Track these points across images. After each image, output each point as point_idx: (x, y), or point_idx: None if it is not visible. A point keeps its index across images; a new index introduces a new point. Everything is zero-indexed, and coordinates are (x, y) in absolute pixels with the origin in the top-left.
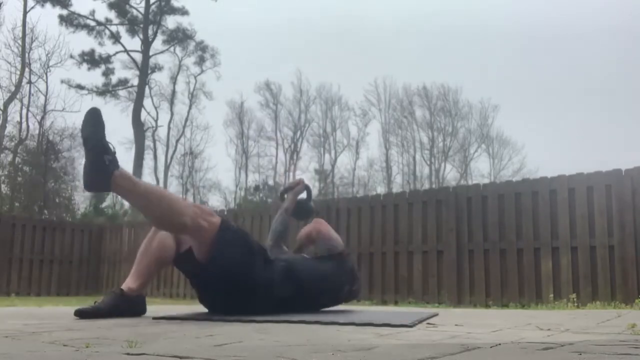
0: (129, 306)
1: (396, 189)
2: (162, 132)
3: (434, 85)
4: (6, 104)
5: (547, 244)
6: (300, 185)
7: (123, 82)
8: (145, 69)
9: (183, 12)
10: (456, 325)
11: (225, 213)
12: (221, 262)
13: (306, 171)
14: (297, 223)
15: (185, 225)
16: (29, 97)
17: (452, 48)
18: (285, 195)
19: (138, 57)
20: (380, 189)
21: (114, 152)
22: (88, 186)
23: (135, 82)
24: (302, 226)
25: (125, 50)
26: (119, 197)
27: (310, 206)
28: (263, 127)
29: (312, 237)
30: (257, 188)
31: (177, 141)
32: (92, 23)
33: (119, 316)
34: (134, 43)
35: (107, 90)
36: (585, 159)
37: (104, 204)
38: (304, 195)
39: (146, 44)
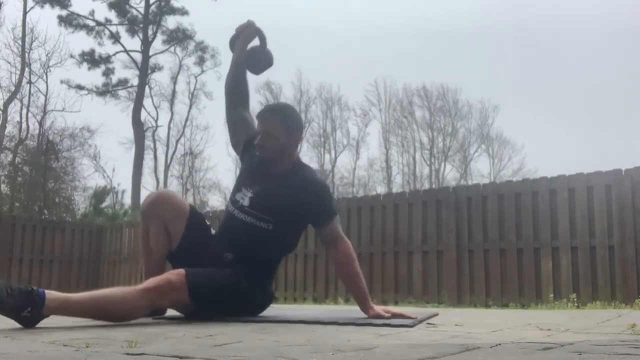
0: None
1: (396, 189)
2: (162, 132)
3: (433, 85)
4: (6, 104)
5: (547, 244)
6: (250, 29)
7: (123, 82)
8: (145, 69)
9: (183, 12)
10: (456, 325)
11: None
12: (210, 306)
13: None
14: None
15: (145, 313)
16: (29, 97)
17: (452, 48)
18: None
19: (138, 57)
20: (380, 189)
21: (30, 291)
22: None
23: (135, 82)
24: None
25: (125, 50)
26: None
27: (267, 52)
28: None
29: None
30: None
31: (177, 141)
32: (92, 23)
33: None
34: (133, 43)
35: (107, 90)
36: (585, 159)
37: (104, 204)
38: (256, 42)
39: (146, 44)
